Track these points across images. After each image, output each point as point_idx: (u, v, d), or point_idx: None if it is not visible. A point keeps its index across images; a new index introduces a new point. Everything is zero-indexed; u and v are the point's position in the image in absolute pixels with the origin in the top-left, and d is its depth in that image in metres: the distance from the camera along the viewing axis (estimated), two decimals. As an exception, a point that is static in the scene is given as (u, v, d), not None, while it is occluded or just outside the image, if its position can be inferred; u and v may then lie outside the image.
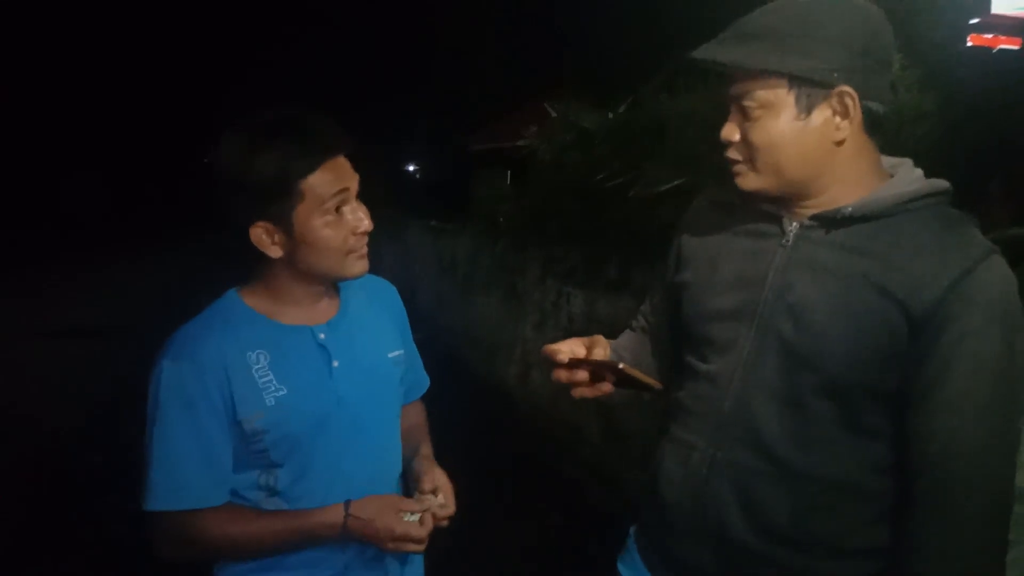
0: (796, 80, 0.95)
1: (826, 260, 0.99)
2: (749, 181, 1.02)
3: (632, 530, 1.24)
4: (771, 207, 1.04)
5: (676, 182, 2.92)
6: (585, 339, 1.12)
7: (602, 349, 1.09)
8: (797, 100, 0.96)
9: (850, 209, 0.98)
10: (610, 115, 3.98)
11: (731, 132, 1.01)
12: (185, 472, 1.07)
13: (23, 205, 18.14)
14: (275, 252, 1.10)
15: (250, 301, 1.15)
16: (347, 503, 1.10)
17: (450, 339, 6.21)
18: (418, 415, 1.39)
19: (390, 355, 1.26)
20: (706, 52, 1.00)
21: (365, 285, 1.25)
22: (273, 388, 1.10)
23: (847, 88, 0.95)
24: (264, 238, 1.09)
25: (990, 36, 8.11)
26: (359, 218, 1.11)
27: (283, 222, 1.08)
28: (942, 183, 1.00)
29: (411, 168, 19.12)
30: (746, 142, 1.00)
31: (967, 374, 0.90)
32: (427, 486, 1.20)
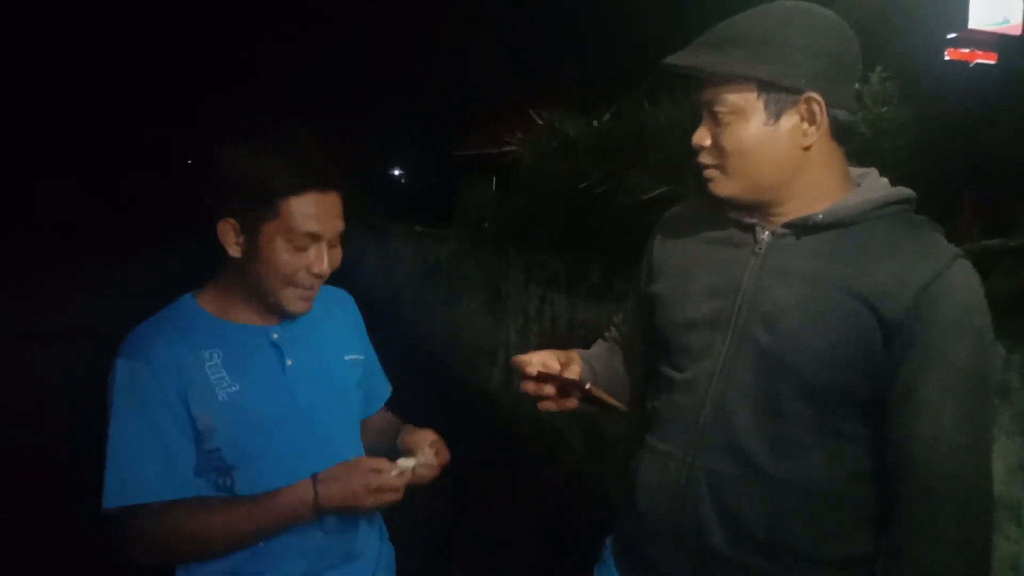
0: (765, 85, 0.97)
1: (799, 267, 1.00)
2: (721, 187, 1.04)
3: (608, 539, 1.24)
4: (744, 215, 1.06)
5: (657, 191, 2.95)
6: (560, 353, 1.13)
7: (576, 366, 1.10)
8: (766, 105, 0.98)
9: (821, 216, 1.00)
10: (595, 123, 4.00)
11: (702, 137, 1.03)
12: (139, 467, 1.07)
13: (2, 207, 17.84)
14: (234, 251, 1.11)
15: (204, 303, 1.17)
16: (313, 475, 1.09)
17: (433, 344, 6.21)
18: (390, 419, 1.38)
19: (347, 357, 1.26)
20: (678, 57, 1.02)
21: (322, 294, 1.23)
22: (225, 384, 1.11)
23: (814, 95, 0.97)
24: (229, 234, 1.10)
25: (967, 51, 8.27)
26: (320, 259, 1.11)
27: (250, 229, 1.09)
28: (907, 191, 1.03)
29: (396, 172, 19.10)
30: (717, 147, 1.02)
31: (943, 376, 0.92)
32: (408, 445, 1.21)
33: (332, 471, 1.09)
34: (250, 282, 1.13)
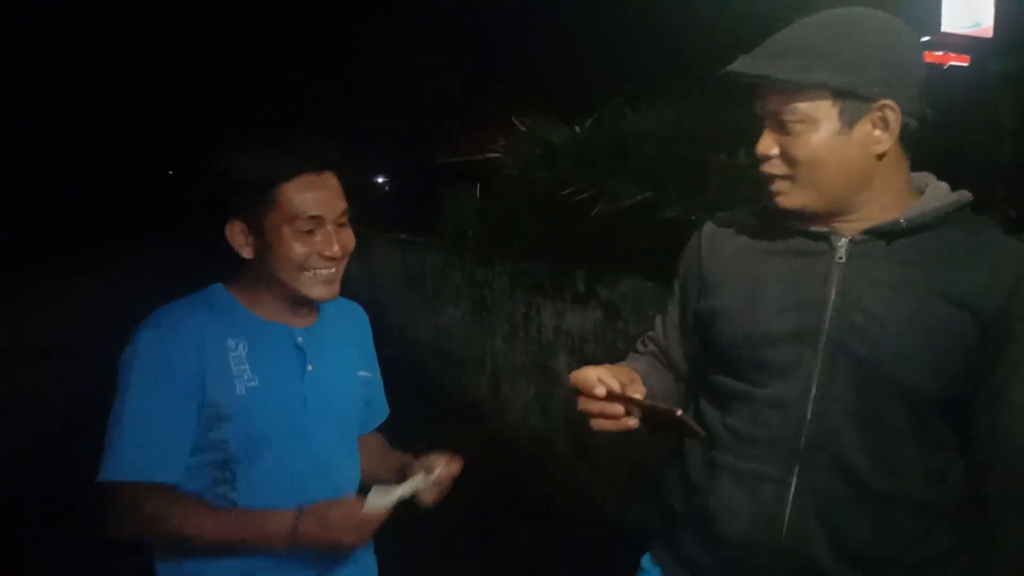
0: (840, 94, 0.96)
1: (887, 275, 0.99)
2: (791, 199, 1.01)
3: (649, 560, 1.19)
4: (813, 224, 1.03)
5: (638, 197, 2.97)
6: (617, 369, 1.07)
7: (640, 385, 1.04)
8: (840, 114, 0.96)
9: (903, 222, 0.99)
10: (577, 130, 4.02)
11: (768, 146, 1.01)
12: (152, 443, 1.06)
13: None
14: (247, 253, 1.13)
15: (236, 294, 1.17)
16: (299, 508, 1.06)
17: (419, 353, 6.18)
18: (379, 441, 1.37)
19: (359, 373, 1.27)
20: (746, 66, 1.00)
21: (340, 305, 1.27)
22: (246, 377, 1.10)
23: (889, 102, 0.96)
24: (238, 237, 1.12)
25: (941, 53, 8.41)
26: (328, 241, 1.11)
27: (256, 225, 1.10)
28: (968, 194, 1.03)
29: (380, 180, 19.05)
30: (786, 157, 1.00)
31: None
32: (414, 470, 1.18)
33: (317, 509, 1.06)
34: (268, 278, 1.14)
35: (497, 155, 4.61)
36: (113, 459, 1.06)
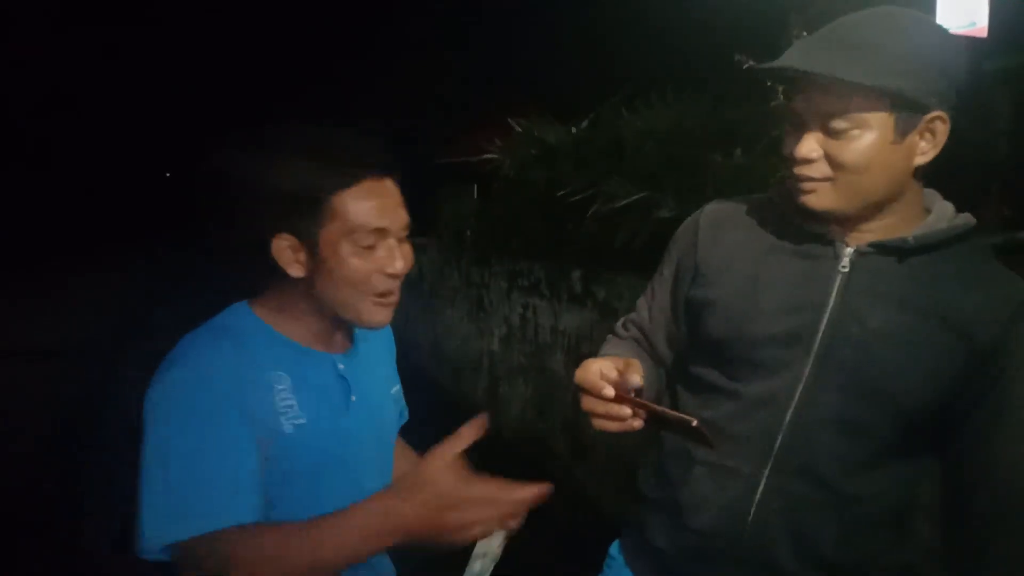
0: (899, 101, 0.91)
1: (889, 290, 0.98)
2: (824, 200, 0.97)
3: (616, 549, 1.20)
4: (824, 228, 1.01)
5: (635, 197, 2.98)
6: (618, 361, 1.00)
7: (638, 374, 0.99)
8: (896, 123, 0.92)
9: (912, 240, 0.97)
10: (574, 130, 4.03)
11: (811, 149, 0.95)
12: (215, 485, 0.89)
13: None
14: (296, 271, 0.97)
15: (268, 319, 1.02)
16: (396, 489, 0.92)
17: (417, 354, 6.19)
18: (400, 444, 1.28)
19: (392, 390, 1.18)
20: (810, 62, 0.92)
21: None
22: (293, 415, 0.97)
23: (942, 113, 0.93)
24: (287, 253, 0.96)
25: (936, 53, 8.34)
26: (392, 256, 0.98)
27: (308, 239, 0.95)
28: (972, 218, 1.01)
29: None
30: (832, 160, 0.94)
31: None
32: None
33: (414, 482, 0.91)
34: (318, 300, 0.99)
35: (494, 156, 4.62)
36: (179, 517, 0.87)
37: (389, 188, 0.98)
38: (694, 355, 1.12)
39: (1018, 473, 0.96)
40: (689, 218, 1.18)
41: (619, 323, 1.25)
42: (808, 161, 0.95)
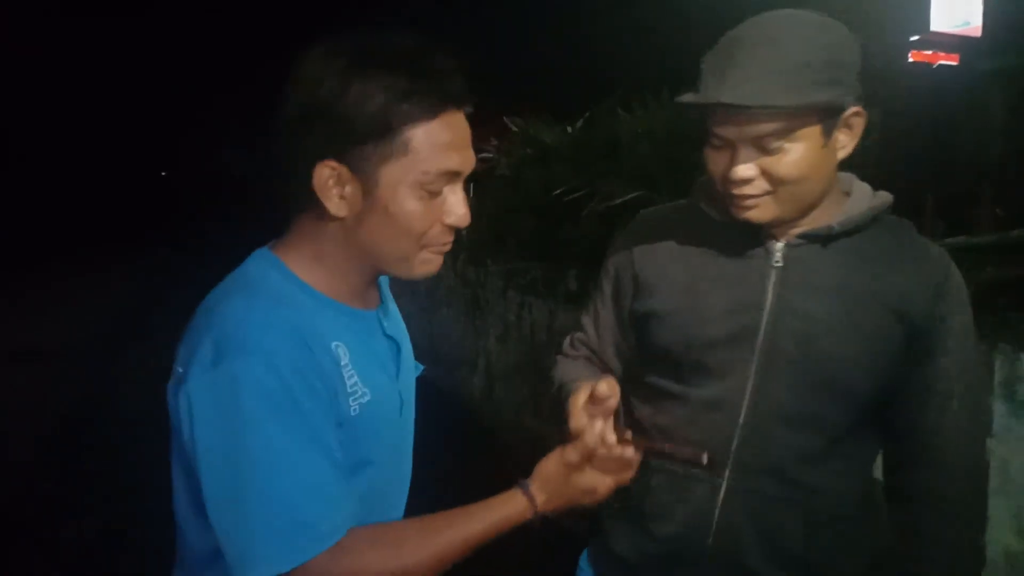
0: (828, 109, 0.93)
1: (824, 279, 1.00)
2: (766, 213, 0.98)
3: (584, 560, 1.20)
4: (755, 227, 1.01)
5: (630, 196, 2.99)
6: (587, 387, 0.95)
7: (609, 387, 0.94)
8: (824, 129, 0.94)
9: (836, 226, 1.00)
10: (569, 129, 4.04)
11: (748, 170, 0.95)
12: (323, 494, 0.78)
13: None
14: (337, 208, 0.81)
15: (303, 274, 0.85)
16: (521, 485, 0.90)
17: (412, 353, 6.19)
18: None
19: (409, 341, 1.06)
20: (739, 96, 0.90)
21: None
22: (359, 393, 0.84)
23: (858, 108, 0.96)
24: (330, 184, 0.80)
25: (930, 52, 8.47)
26: (459, 204, 0.84)
27: (364, 172, 0.80)
28: (889, 196, 1.05)
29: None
30: (769, 176, 0.95)
31: (961, 367, 1.01)
32: None
33: (543, 479, 0.90)
34: (357, 247, 0.84)
35: (490, 155, 4.63)
36: (294, 530, 0.75)
37: (464, 124, 0.84)
38: (644, 364, 1.13)
39: (950, 444, 1.01)
40: (620, 233, 1.19)
41: (566, 342, 1.25)
42: (748, 182, 0.96)
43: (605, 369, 1.21)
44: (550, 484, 0.89)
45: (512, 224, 4.32)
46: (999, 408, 1.81)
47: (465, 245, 5.17)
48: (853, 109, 0.96)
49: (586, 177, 3.39)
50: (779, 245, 1.02)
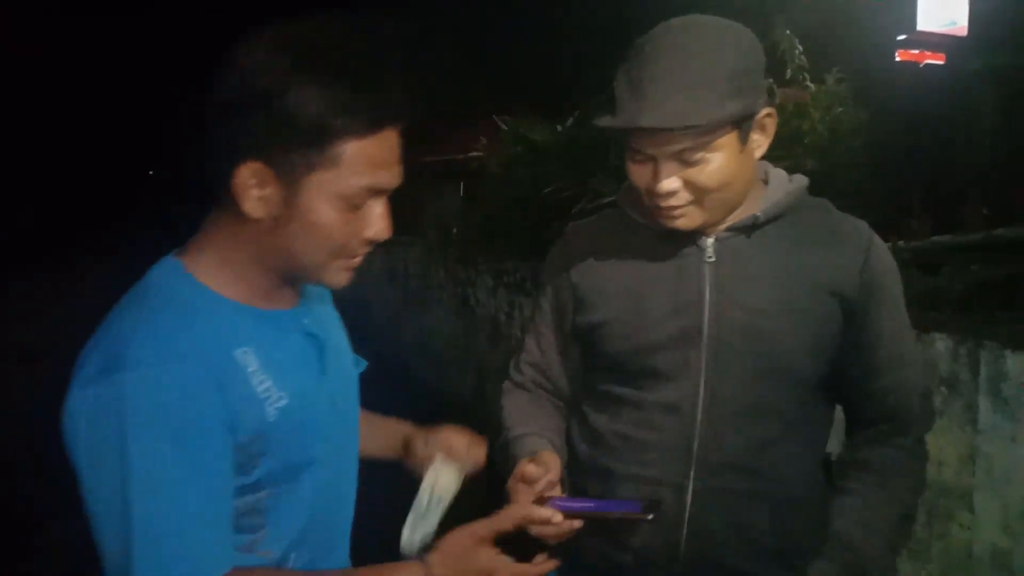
0: (743, 118, 0.96)
1: (755, 268, 1.02)
2: (693, 220, 1.00)
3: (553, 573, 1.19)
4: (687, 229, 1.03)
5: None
6: (538, 469, 1.01)
7: (553, 458, 1.05)
8: (740, 135, 0.97)
9: (760, 215, 1.02)
10: (558, 127, 4.04)
11: (673, 183, 0.96)
12: (195, 533, 0.73)
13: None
14: (254, 210, 0.77)
15: (207, 279, 0.81)
16: (422, 559, 0.84)
17: (402, 352, 6.17)
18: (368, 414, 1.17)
19: (344, 335, 1.02)
20: (661, 120, 0.92)
21: None
22: (274, 397, 0.80)
23: (769, 109, 1.00)
24: (249, 184, 0.76)
25: (917, 52, 8.52)
26: (382, 219, 0.82)
27: (288, 177, 0.76)
28: (805, 178, 1.08)
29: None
30: (692, 187, 0.97)
31: (897, 332, 1.05)
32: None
33: (444, 553, 0.85)
34: (270, 251, 0.81)
35: (480, 154, 4.62)
36: (169, 565, 0.72)
37: (397, 141, 0.81)
38: (595, 373, 1.13)
39: (902, 403, 1.05)
40: (552, 249, 1.19)
41: (511, 367, 1.24)
42: (673, 194, 0.97)
43: (553, 391, 1.20)
44: (450, 559, 0.84)
45: (502, 223, 4.32)
46: (985, 405, 1.83)
47: (455, 244, 5.17)
48: (765, 111, 0.99)
49: (576, 175, 3.39)
50: (709, 241, 1.03)
